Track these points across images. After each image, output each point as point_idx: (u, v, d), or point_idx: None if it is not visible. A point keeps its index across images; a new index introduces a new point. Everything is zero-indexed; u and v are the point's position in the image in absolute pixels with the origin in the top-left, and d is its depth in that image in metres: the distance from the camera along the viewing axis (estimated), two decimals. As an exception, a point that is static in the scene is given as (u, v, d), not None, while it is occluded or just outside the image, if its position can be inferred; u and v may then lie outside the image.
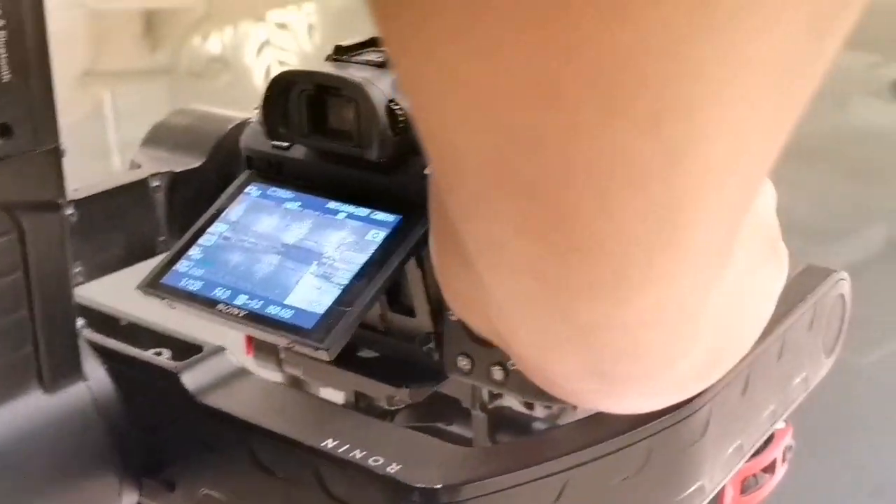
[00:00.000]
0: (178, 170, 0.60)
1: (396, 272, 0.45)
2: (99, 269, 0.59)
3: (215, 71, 3.16)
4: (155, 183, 0.59)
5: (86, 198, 0.57)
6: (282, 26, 3.57)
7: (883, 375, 1.74)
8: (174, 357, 0.43)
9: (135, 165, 0.61)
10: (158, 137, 0.62)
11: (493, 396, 0.52)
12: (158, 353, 0.44)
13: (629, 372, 0.30)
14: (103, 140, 2.91)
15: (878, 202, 2.35)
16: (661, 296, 0.26)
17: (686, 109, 0.21)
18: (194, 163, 0.60)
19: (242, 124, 0.58)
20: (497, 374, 0.47)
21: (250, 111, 0.60)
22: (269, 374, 0.59)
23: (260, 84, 3.15)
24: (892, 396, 1.69)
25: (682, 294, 0.27)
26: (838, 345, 0.46)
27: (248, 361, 0.57)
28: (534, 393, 0.46)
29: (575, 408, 0.52)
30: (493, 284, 0.27)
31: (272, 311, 0.45)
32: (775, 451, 0.46)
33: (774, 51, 0.21)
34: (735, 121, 0.22)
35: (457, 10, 0.20)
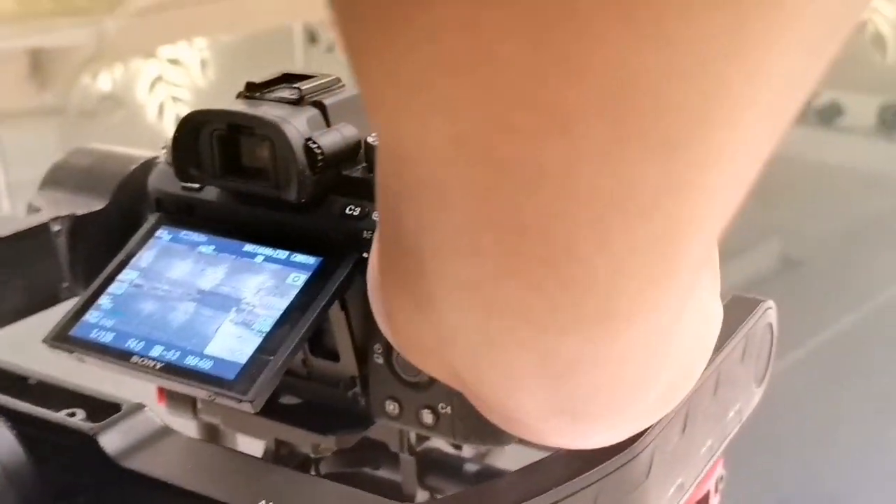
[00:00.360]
0: (80, 212, 0.57)
1: (321, 316, 0.43)
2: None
3: (107, 109, 3.10)
4: (56, 227, 0.57)
5: (-20, 246, 0.54)
6: (174, 62, 3.53)
7: (781, 390, 1.77)
8: (90, 418, 0.41)
9: (33, 209, 0.59)
10: (58, 179, 0.59)
11: (421, 439, 0.51)
12: (72, 414, 0.41)
13: (601, 407, 0.28)
14: (-9, 183, 2.82)
15: (773, 221, 2.40)
16: (647, 328, 0.25)
17: (703, 133, 0.20)
18: (97, 205, 0.57)
19: (147, 164, 0.56)
20: (427, 417, 0.45)
21: (153, 150, 0.58)
22: (184, 422, 0.56)
23: (154, 121, 3.10)
24: (792, 411, 1.71)
25: (664, 324, 0.26)
26: (767, 374, 0.45)
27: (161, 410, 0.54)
28: (464, 435, 0.45)
29: (503, 448, 0.51)
30: (463, 326, 0.26)
31: (190, 361, 0.43)
32: (708, 484, 0.46)
33: (793, 68, 0.20)
34: (749, 142, 0.21)
35: (451, 29, 0.19)
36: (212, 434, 0.56)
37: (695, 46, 0.18)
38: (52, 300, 0.57)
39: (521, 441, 0.47)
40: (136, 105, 3.14)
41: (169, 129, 2.82)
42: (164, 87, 3.33)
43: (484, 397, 0.29)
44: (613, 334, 0.25)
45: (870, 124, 3.32)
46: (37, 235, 0.56)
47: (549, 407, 0.28)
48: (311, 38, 3.52)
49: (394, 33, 0.20)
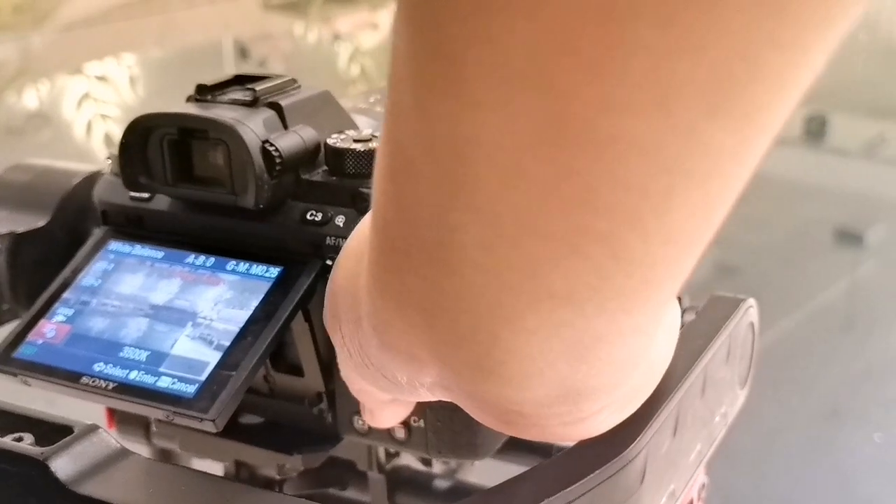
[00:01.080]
0: (20, 230, 0.54)
1: (283, 329, 0.41)
2: (-66, 346, 0.53)
3: (35, 127, 3.04)
4: None
5: (-86, 268, 0.51)
6: (101, 79, 3.47)
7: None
8: (39, 442, 0.38)
9: None
10: None
11: (391, 456, 0.48)
12: (19, 439, 0.38)
13: (604, 385, 0.27)
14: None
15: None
16: (663, 299, 0.25)
17: (775, 103, 0.21)
18: (38, 222, 0.54)
19: (91, 177, 0.53)
20: (398, 432, 0.43)
21: (95, 163, 0.55)
22: (136, 448, 0.53)
23: (82, 138, 3.05)
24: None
25: (670, 297, 0.26)
26: (750, 375, 0.44)
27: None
28: (438, 449, 0.43)
29: (473, 462, 0.49)
30: (493, 320, 0.24)
31: (146, 380, 0.41)
32: (691, 492, 0.44)
33: (823, 57, 0.21)
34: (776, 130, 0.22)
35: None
36: (165, 460, 0.53)
37: (799, 18, 0.19)
38: None
39: (497, 454, 0.45)
40: (63, 122, 3.09)
41: (98, 147, 2.77)
42: (91, 105, 3.28)
43: (485, 394, 0.27)
44: (641, 307, 0.25)
45: (796, 135, 3.37)
46: None
47: (559, 390, 0.26)
48: (242, 52, 3.48)
49: (498, 13, 0.19)
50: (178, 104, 0.44)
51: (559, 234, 0.22)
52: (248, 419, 0.47)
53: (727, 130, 0.20)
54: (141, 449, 0.54)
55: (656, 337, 0.29)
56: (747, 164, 0.22)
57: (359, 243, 0.32)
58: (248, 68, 3.44)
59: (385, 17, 3.56)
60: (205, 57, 3.57)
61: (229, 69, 3.47)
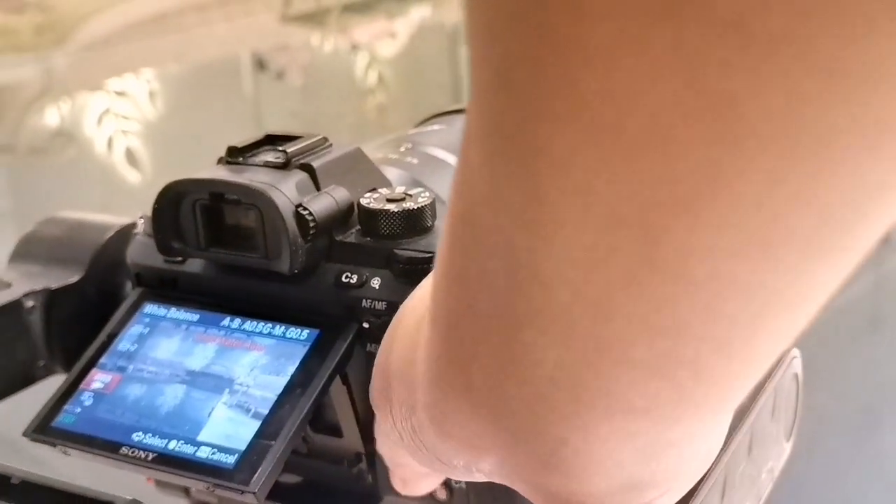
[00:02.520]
0: (54, 286, 0.54)
1: (322, 394, 0.41)
2: (-28, 405, 0.53)
3: (59, 146, 3.06)
4: (30, 303, 0.54)
5: (-50, 329, 0.51)
6: (121, 94, 3.49)
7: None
8: None
9: (3, 284, 0.55)
10: (29, 251, 0.56)
11: (431, 512, 0.48)
12: None
13: (669, 477, 0.27)
14: (-60, 228, 2.76)
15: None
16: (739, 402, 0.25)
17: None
18: (72, 277, 0.54)
19: (123, 231, 0.53)
20: (440, 493, 0.43)
21: (128, 216, 0.55)
22: (175, 501, 0.53)
23: (103, 154, 3.06)
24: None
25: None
26: (795, 427, 0.43)
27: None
28: (479, 509, 0.43)
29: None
30: (568, 426, 0.24)
31: (185, 450, 0.40)
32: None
33: None
34: None
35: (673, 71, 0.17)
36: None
37: None
38: (27, 380, 0.54)
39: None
40: (85, 139, 3.11)
41: (119, 163, 2.78)
42: (112, 120, 3.30)
43: (548, 486, 0.27)
44: (716, 415, 0.25)
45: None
46: (9, 312, 0.53)
47: (624, 485, 0.26)
48: (260, 65, 3.49)
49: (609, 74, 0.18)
50: (208, 167, 0.44)
51: (641, 360, 0.22)
52: (287, 479, 0.47)
53: (829, 265, 0.20)
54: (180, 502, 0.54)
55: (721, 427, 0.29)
56: (839, 281, 0.21)
57: (412, 326, 0.31)
58: (266, 80, 3.46)
59: (402, 26, 3.56)
60: (223, 70, 3.59)
61: (247, 82, 3.48)
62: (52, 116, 3.23)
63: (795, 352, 0.42)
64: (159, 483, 0.52)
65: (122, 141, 3.02)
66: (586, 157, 0.19)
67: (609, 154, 0.19)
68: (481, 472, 0.29)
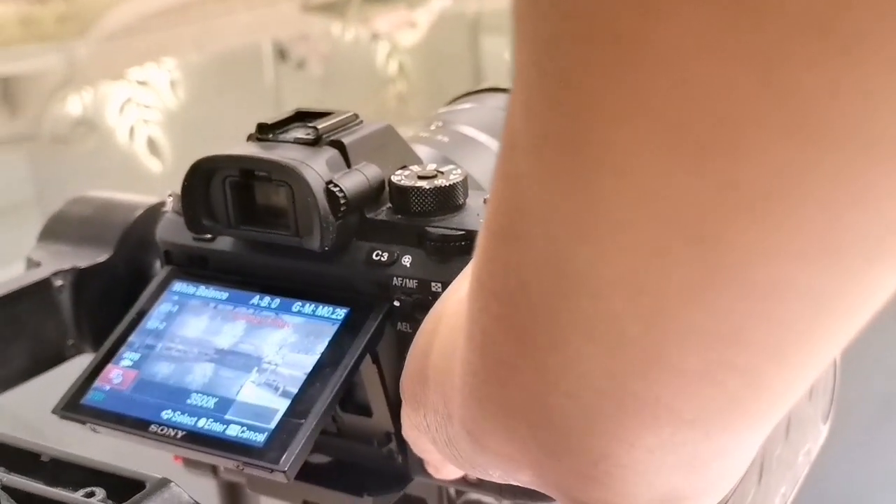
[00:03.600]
0: (82, 265, 0.54)
1: (352, 373, 0.40)
2: (2, 384, 0.53)
3: (80, 135, 3.07)
4: (59, 282, 0.54)
5: (-21, 307, 0.51)
6: (143, 84, 3.50)
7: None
8: (111, 497, 0.37)
9: (33, 264, 0.55)
10: (57, 230, 0.56)
11: (461, 492, 0.48)
12: (91, 494, 0.38)
13: (710, 486, 0.26)
14: (-36, 214, 2.78)
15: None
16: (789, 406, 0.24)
17: None
18: (100, 256, 0.54)
19: (152, 210, 0.53)
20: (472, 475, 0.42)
21: (156, 195, 0.55)
22: (203, 481, 0.53)
23: (125, 143, 3.07)
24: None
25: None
26: (832, 409, 0.42)
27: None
28: (512, 492, 0.42)
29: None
30: (613, 441, 0.23)
31: (214, 428, 0.40)
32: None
33: None
34: None
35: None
36: (234, 494, 0.53)
37: None
38: (57, 359, 0.54)
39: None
40: (107, 129, 3.11)
41: (141, 152, 2.78)
42: (134, 109, 3.31)
43: (586, 499, 0.26)
44: (767, 423, 0.24)
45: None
46: (39, 292, 0.53)
47: (665, 495, 0.25)
48: (281, 54, 3.49)
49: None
50: (239, 144, 0.43)
51: (694, 369, 0.21)
52: (317, 459, 0.47)
53: (883, 268, 0.19)
54: (208, 483, 0.54)
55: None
56: (893, 285, 0.21)
57: (449, 331, 0.30)
58: (287, 69, 3.45)
59: (422, 16, 3.55)
60: (244, 59, 3.59)
61: (268, 71, 3.48)
62: (74, 105, 3.24)
63: (833, 333, 0.41)
64: (187, 462, 0.51)
65: (144, 130, 3.02)
66: (650, 161, 0.18)
67: (675, 158, 0.18)
68: (518, 482, 0.29)
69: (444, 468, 0.40)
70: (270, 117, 0.44)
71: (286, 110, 0.45)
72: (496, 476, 0.29)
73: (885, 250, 0.19)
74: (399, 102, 3.08)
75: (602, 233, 0.20)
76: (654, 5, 0.17)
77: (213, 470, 0.51)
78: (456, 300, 0.32)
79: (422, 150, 0.48)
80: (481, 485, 0.43)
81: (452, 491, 0.47)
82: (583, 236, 0.20)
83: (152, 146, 2.81)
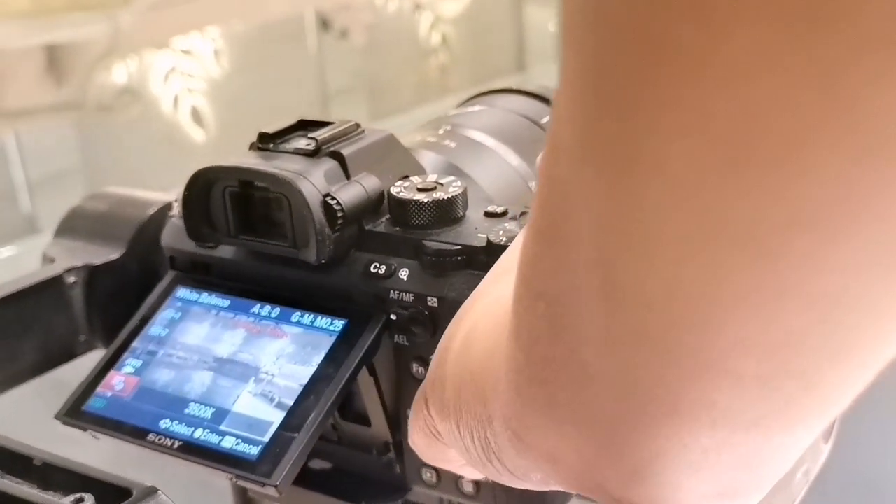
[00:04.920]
0: (96, 262, 0.54)
1: (347, 386, 0.40)
2: (12, 379, 0.54)
3: (125, 103, 3.10)
4: (71, 279, 0.54)
5: (-6, 303, 0.52)
6: (187, 53, 3.51)
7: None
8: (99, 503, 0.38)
9: (48, 259, 0.56)
10: (73, 226, 0.57)
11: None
12: (80, 500, 0.38)
13: (755, 486, 0.26)
14: (10, 182, 2.83)
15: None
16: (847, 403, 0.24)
17: None
18: (113, 254, 0.55)
19: (164, 209, 0.53)
20: (467, 486, 0.42)
21: (170, 188, 0.55)
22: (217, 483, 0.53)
23: (169, 112, 3.09)
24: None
25: None
26: (835, 428, 0.42)
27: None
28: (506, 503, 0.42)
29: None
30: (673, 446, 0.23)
31: (210, 439, 0.41)
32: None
33: None
34: None
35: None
36: (247, 496, 0.54)
37: None
38: (68, 355, 0.55)
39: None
40: (151, 97, 3.13)
41: (185, 121, 2.80)
42: (178, 79, 3.33)
43: (633, 497, 0.26)
44: (823, 422, 0.23)
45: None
46: (51, 288, 0.54)
47: (714, 494, 0.25)
48: (324, 24, 3.49)
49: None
50: (240, 154, 0.43)
51: (751, 375, 0.21)
52: (318, 465, 0.47)
53: None
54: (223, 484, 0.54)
55: None
56: None
57: (488, 336, 0.30)
58: (330, 39, 3.45)
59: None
60: (286, 29, 3.59)
61: (311, 41, 3.48)
62: (119, 74, 3.26)
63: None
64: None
65: (188, 99, 3.04)
66: (707, 178, 0.18)
67: (733, 175, 0.18)
68: (558, 485, 0.28)
69: (466, 471, 0.39)
70: (272, 126, 0.44)
71: (288, 121, 0.45)
72: (536, 480, 0.29)
73: None
74: (441, 74, 3.06)
75: (650, 244, 0.19)
76: (718, 20, 0.16)
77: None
78: (492, 300, 0.31)
79: (427, 157, 0.47)
80: (477, 496, 0.43)
81: (454, 502, 0.47)
82: (630, 246, 0.20)
83: (196, 115, 2.82)
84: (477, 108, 0.54)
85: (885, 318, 0.20)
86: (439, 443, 0.33)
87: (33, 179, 2.69)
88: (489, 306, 0.31)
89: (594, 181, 0.20)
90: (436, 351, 0.33)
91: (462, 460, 0.32)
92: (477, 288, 0.33)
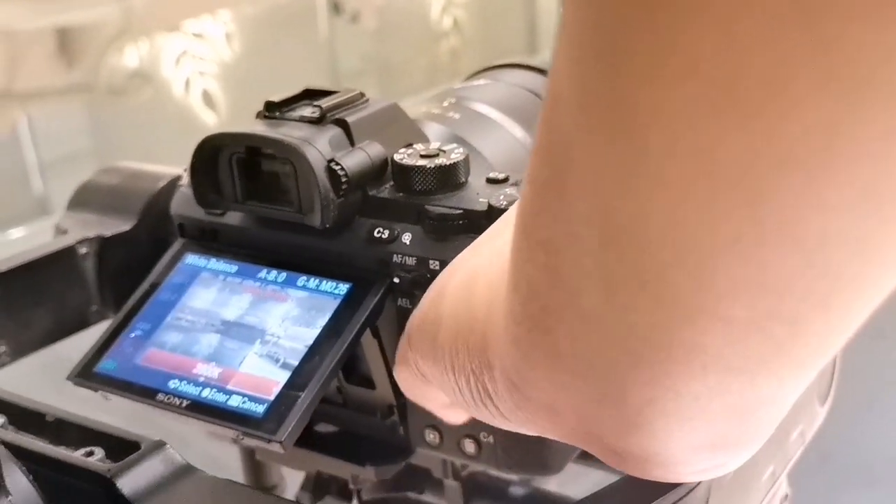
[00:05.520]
0: (107, 234, 0.55)
1: (351, 348, 0.41)
2: (26, 347, 0.55)
3: (136, 86, 3.10)
4: (83, 249, 0.55)
5: (8, 271, 0.53)
6: (198, 36, 3.51)
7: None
8: (109, 457, 0.39)
9: (60, 231, 0.57)
10: (85, 199, 0.58)
11: (465, 465, 0.49)
12: (90, 453, 0.39)
13: (750, 438, 0.27)
14: (22, 164, 2.85)
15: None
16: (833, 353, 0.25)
17: None
18: (124, 226, 0.56)
19: (174, 182, 0.54)
20: (469, 446, 0.43)
21: (181, 166, 0.56)
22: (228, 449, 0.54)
23: (180, 95, 3.10)
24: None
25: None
26: (831, 391, 0.43)
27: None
28: (508, 465, 0.43)
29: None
30: (665, 391, 0.24)
31: (217, 398, 0.41)
32: (772, 504, 0.43)
33: None
34: None
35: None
36: (256, 460, 0.55)
37: None
38: (81, 324, 0.56)
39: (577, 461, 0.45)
40: (163, 81, 3.14)
41: (196, 104, 2.80)
42: (189, 62, 3.33)
43: (627, 447, 0.26)
44: (812, 371, 0.24)
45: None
46: (63, 259, 0.55)
47: (707, 445, 0.26)
48: (335, 7, 3.49)
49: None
50: (247, 121, 0.44)
51: (742, 318, 0.21)
52: (323, 428, 0.48)
53: None
54: (231, 448, 0.55)
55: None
56: None
57: (489, 285, 0.31)
58: (341, 23, 3.45)
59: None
60: (298, 12, 3.59)
61: (322, 24, 3.48)
62: (130, 57, 3.27)
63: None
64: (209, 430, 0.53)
65: (199, 82, 3.04)
66: (698, 117, 0.19)
67: (722, 113, 0.18)
68: (554, 436, 0.29)
69: (443, 414, 0.40)
70: (278, 95, 0.45)
71: (296, 90, 0.45)
72: (532, 431, 0.30)
73: None
74: (452, 57, 3.06)
75: (649, 188, 0.20)
76: None
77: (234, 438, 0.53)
78: (496, 252, 0.32)
79: (432, 128, 0.48)
80: (480, 456, 0.43)
81: (458, 463, 0.48)
82: (630, 191, 0.21)
83: (207, 99, 2.83)
84: (482, 81, 0.55)
85: (872, 263, 0.20)
86: (422, 383, 0.34)
87: (45, 161, 2.70)
88: (492, 257, 0.32)
89: (594, 129, 0.21)
90: (425, 295, 0.34)
91: (445, 400, 0.33)
92: (476, 240, 0.33)
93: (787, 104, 0.18)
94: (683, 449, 0.26)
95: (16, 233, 2.10)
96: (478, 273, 0.32)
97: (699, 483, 0.33)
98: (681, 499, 0.33)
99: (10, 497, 0.36)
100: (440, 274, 0.35)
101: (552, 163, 0.23)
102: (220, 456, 0.57)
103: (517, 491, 0.50)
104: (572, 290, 0.24)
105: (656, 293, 0.22)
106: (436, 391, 0.35)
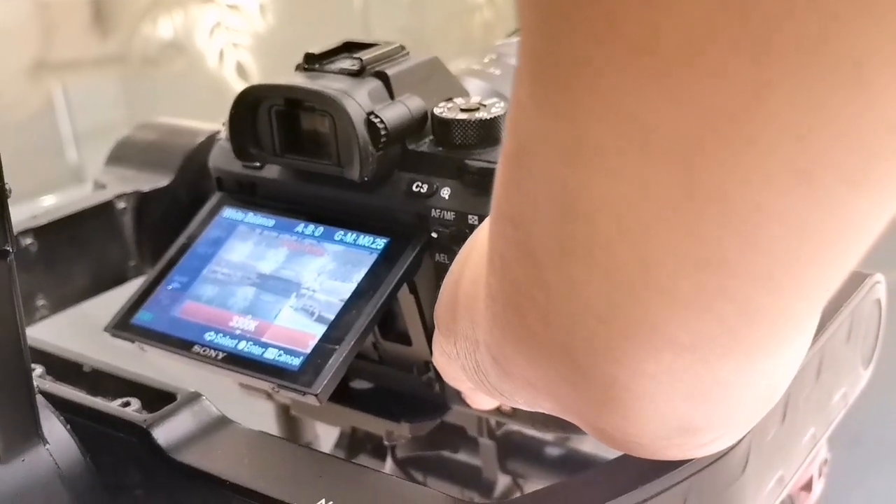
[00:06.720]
0: (145, 189, 0.55)
1: (387, 303, 0.41)
2: (65, 301, 0.55)
3: (169, 57, 3.10)
4: (121, 205, 0.55)
5: (46, 225, 0.53)
6: (232, 7, 3.50)
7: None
8: (145, 407, 0.39)
9: (99, 186, 0.57)
10: (123, 155, 0.58)
11: (501, 422, 0.48)
12: (126, 404, 0.39)
13: (725, 420, 0.27)
14: (57, 134, 2.85)
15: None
16: (793, 342, 0.25)
17: None
18: (163, 181, 0.56)
19: (212, 137, 0.54)
20: (506, 406, 0.43)
21: (219, 123, 0.56)
22: (261, 403, 0.55)
23: (214, 67, 3.09)
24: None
25: (800, 336, 0.26)
26: (876, 354, 0.42)
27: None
28: (544, 423, 0.43)
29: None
30: (628, 370, 0.24)
31: (253, 350, 0.41)
32: (811, 468, 0.43)
33: None
34: None
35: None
36: (290, 415, 0.55)
37: None
38: (119, 279, 0.56)
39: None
40: (196, 52, 3.14)
41: (230, 76, 2.80)
42: (223, 33, 3.32)
43: (604, 426, 0.27)
44: (765, 353, 0.24)
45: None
46: (102, 214, 0.55)
47: (678, 426, 0.26)
48: (370, -22, 3.47)
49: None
50: (287, 73, 0.44)
51: (685, 293, 0.21)
52: (358, 384, 0.48)
53: (865, 196, 0.19)
54: (266, 405, 0.55)
55: (779, 370, 0.29)
56: (883, 219, 0.21)
57: (478, 262, 0.31)
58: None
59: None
60: (333, -16, 3.57)
61: (357, -3, 3.47)
62: (164, 28, 3.27)
63: (879, 276, 0.41)
64: (243, 385, 0.53)
65: (233, 54, 3.04)
66: (623, 82, 0.18)
67: (644, 77, 0.18)
68: (543, 409, 0.29)
69: (476, 398, 0.40)
70: (319, 48, 0.44)
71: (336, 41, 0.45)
72: (521, 403, 0.30)
73: (868, 180, 0.19)
74: (485, 30, 3.05)
75: (588, 157, 0.20)
76: None
77: (268, 393, 0.53)
78: (478, 235, 0.32)
79: (471, 83, 0.48)
80: (515, 415, 0.43)
81: (493, 421, 0.48)
82: (571, 160, 0.21)
83: (241, 70, 2.83)
84: (522, 38, 0.54)
85: (811, 243, 0.20)
86: (452, 362, 0.34)
87: (80, 131, 2.71)
88: (485, 233, 0.32)
89: (537, 99, 0.21)
90: (447, 274, 0.34)
91: (470, 384, 0.33)
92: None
93: (706, 66, 0.17)
94: (655, 429, 0.26)
95: (49, 199, 2.11)
96: (472, 251, 0.33)
97: (739, 442, 0.33)
98: (720, 458, 0.33)
99: (48, 445, 0.36)
100: (462, 248, 0.34)
101: (517, 135, 0.23)
102: (253, 415, 0.57)
103: (552, 451, 0.50)
104: (536, 264, 0.24)
105: (605, 267, 0.22)
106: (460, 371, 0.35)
